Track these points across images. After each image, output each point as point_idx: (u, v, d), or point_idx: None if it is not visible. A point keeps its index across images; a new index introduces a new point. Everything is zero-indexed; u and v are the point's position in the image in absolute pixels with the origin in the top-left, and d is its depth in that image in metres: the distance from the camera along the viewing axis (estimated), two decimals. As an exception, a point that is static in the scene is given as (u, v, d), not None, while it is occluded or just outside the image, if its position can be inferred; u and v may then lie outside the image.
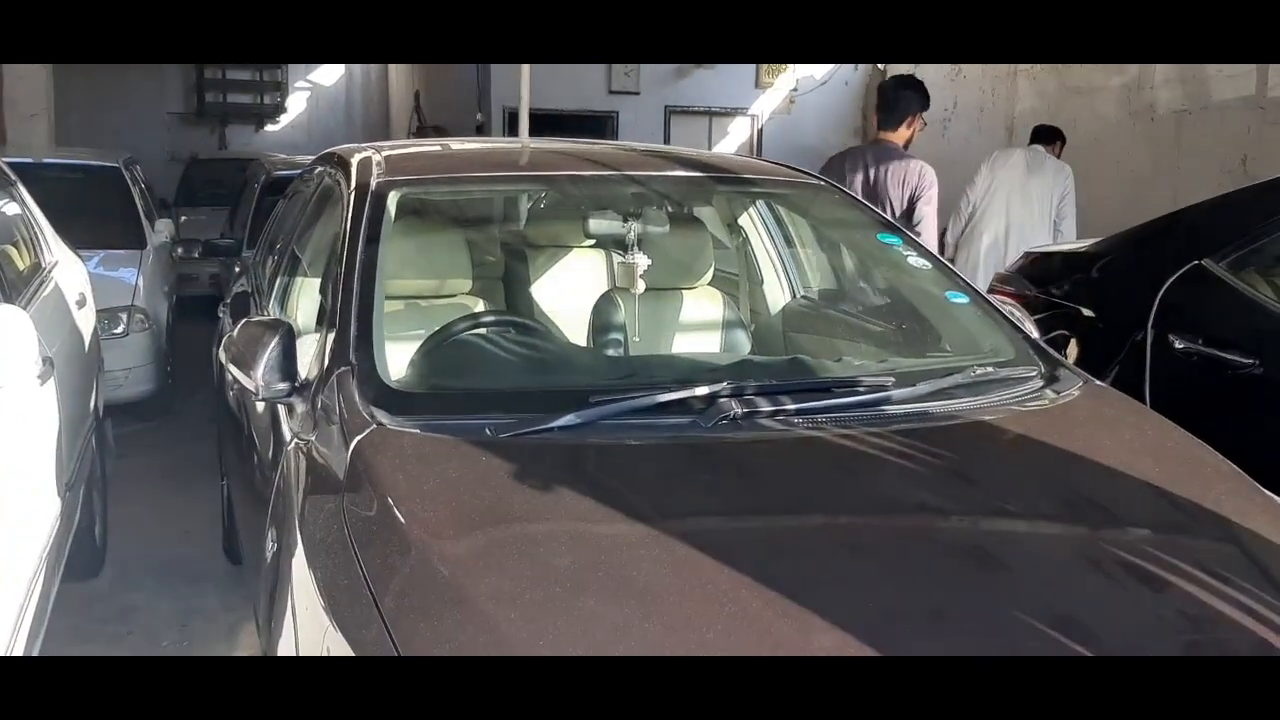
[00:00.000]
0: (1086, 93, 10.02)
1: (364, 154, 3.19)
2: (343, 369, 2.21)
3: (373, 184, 2.76)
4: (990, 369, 2.46)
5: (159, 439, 6.31)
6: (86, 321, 4.04)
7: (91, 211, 7.16)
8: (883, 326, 3.34)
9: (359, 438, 2.00)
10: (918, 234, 4.40)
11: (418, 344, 2.99)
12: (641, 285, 3.13)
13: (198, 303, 8.98)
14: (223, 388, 4.05)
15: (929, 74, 11.87)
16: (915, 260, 2.88)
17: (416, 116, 13.86)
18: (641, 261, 3.10)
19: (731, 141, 12.34)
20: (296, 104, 15.94)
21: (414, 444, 2.00)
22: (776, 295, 3.79)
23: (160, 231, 7.26)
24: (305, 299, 3.28)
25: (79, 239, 5.52)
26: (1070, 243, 6.51)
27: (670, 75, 11.81)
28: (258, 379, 2.27)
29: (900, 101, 5.02)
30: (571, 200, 3.29)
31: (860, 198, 5.07)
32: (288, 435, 2.33)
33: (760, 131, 12.40)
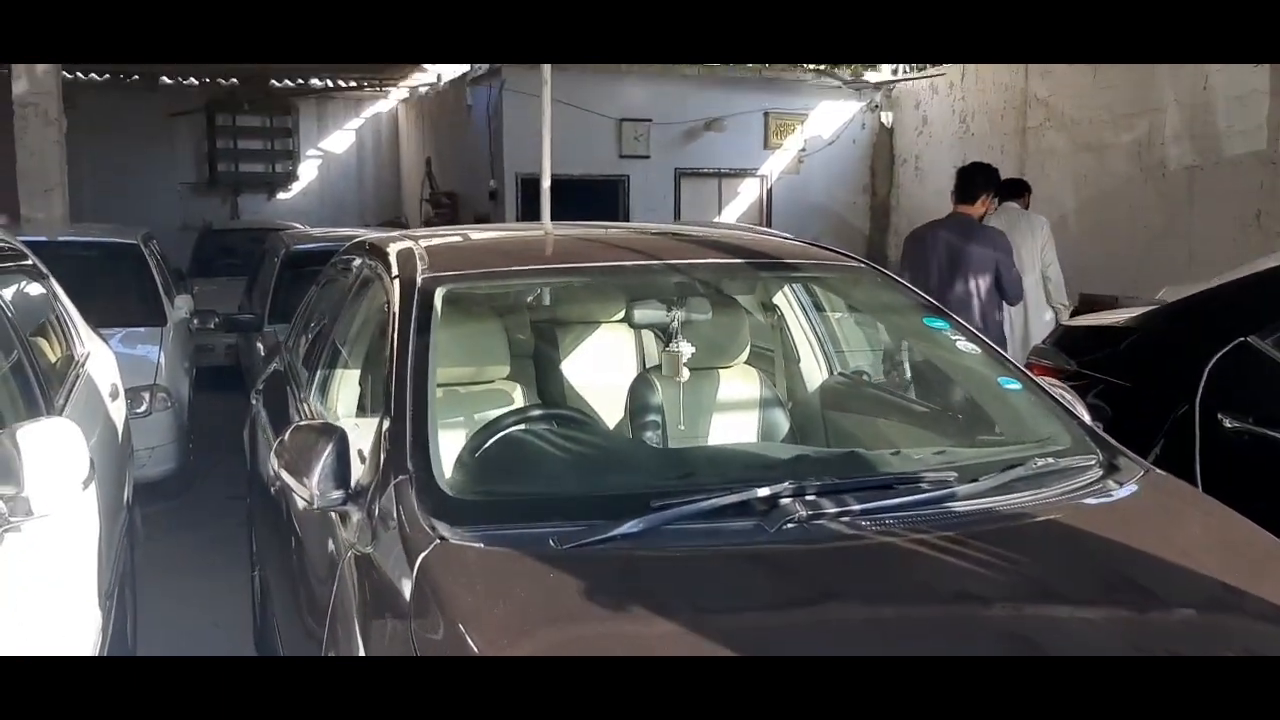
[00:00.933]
0: (1097, 149, 10.07)
1: (402, 245, 3.18)
2: (400, 478, 2.18)
3: (419, 279, 2.74)
4: (1050, 460, 2.43)
5: (182, 518, 6.26)
6: (119, 413, 4.02)
7: (111, 289, 7.17)
8: (927, 408, 3.31)
9: (423, 555, 1.96)
10: (1011, 289, 5.57)
11: (459, 432, 2.97)
12: (686, 374, 3.11)
13: (215, 374, 8.97)
14: (255, 475, 4.02)
15: (938, 134, 12.00)
16: (964, 344, 2.86)
17: (428, 183, 13.95)
18: (686, 350, 3.08)
19: (742, 202, 12.41)
20: (308, 172, 16.06)
21: (479, 560, 1.96)
22: (813, 373, 3.76)
23: (180, 307, 7.26)
24: (347, 390, 3.26)
25: (100, 317, 5.52)
26: (1059, 295, 6.70)
27: (679, 138, 11.90)
28: (312, 488, 2.24)
29: (976, 182, 5.83)
30: (614, 290, 3.28)
31: (943, 264, 5.65)
32: (342, 544, 2.30)
33: (769, 191, 12.47)
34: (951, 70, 11.94)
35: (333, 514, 2.36)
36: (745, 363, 3.63)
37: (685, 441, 3.60)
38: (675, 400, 3.59)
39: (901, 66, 12.68)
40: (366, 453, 2.48)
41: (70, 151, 10.65)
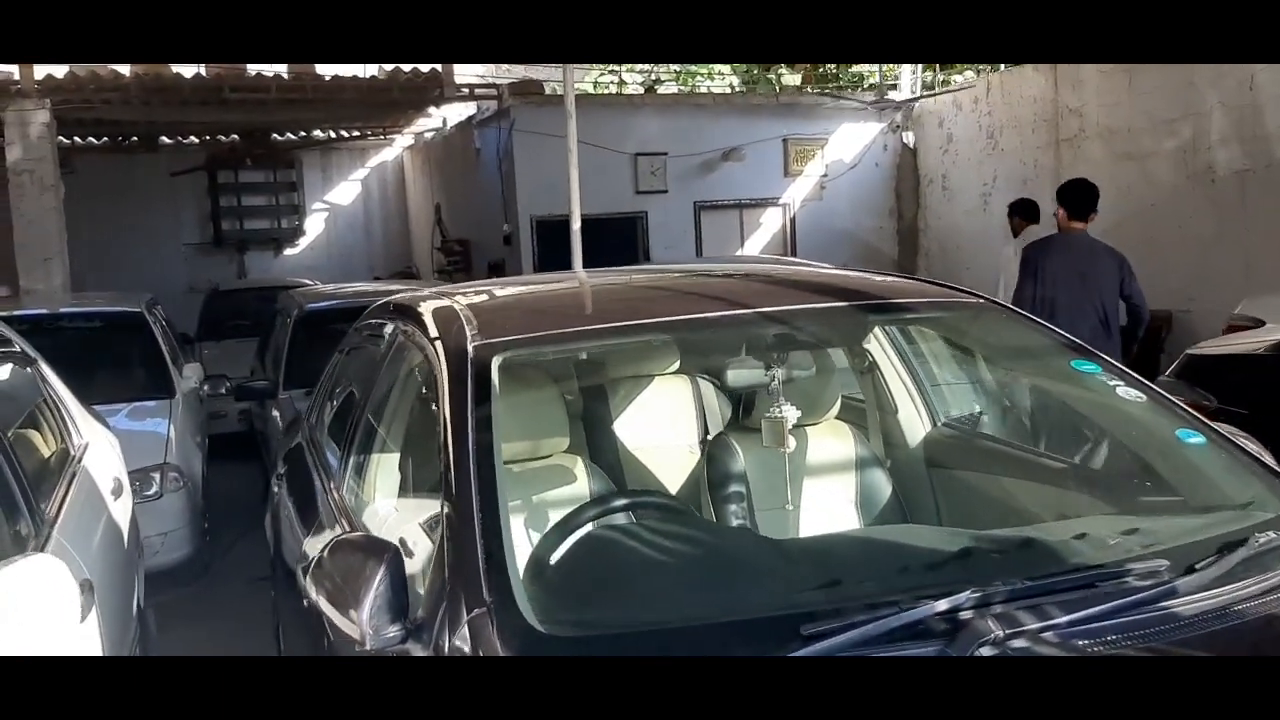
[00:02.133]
0: (1138, 158, 9.61)
1: (440, 306, 2.73)
2: (476, 612, 1.71)
3: (470, 349, 2.28)
4: (1273, 534, 1.95)
5: (201, 606, 5.78)
6: (124, 511, 3.56)
7: (115, 362, 6.76)
8: (1063, 464, 2.83)
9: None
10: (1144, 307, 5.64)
11: (517, 518, 2.51)
12: (793, 443, 2.64)
13: (228, 441, 8.52)
14: (280, 567, 3.55)
15: (964, 151, 11.57)
16: (1125, 390, 2.37)
17: (439, 231, 13.55)
18: (791, 414, 2.61)
19: (764, 233, 11.96)
20: (314, 225, 15.65)
21: None
22: (914, 425, 3.28)
23: (189, 376, 6.82)
24: (385, 477, 2.80)
25: (104, 392, 5.09)
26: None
27: (697, 170, 11.47)
28: (364, 624, 1.78)
29: (1092, 197, 5.93)
30: (699, 349, 2.81)
31: (1068, 284, 5.60)
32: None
33: (793, 220, 12.02)
34: (977, 85, 11.52)
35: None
36: (836, 417, 3.17)
37: (775, 514, 3.13)
38: (762, 466, 3.13)
39: (922, 81, 12.27)
40: (420, 565, 2.01)
41: (69, 217, 10.29)
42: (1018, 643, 1.65)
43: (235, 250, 15.16)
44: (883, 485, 3.14)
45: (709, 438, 3.83)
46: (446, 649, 1.74)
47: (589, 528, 2.19)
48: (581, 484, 2.94)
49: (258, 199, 15.25)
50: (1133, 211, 9.66)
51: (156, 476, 5.64)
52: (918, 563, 1.92)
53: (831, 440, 3.15)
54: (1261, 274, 8.46)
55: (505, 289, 3.19)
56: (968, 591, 1.70)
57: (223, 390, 8.24)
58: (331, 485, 2.96)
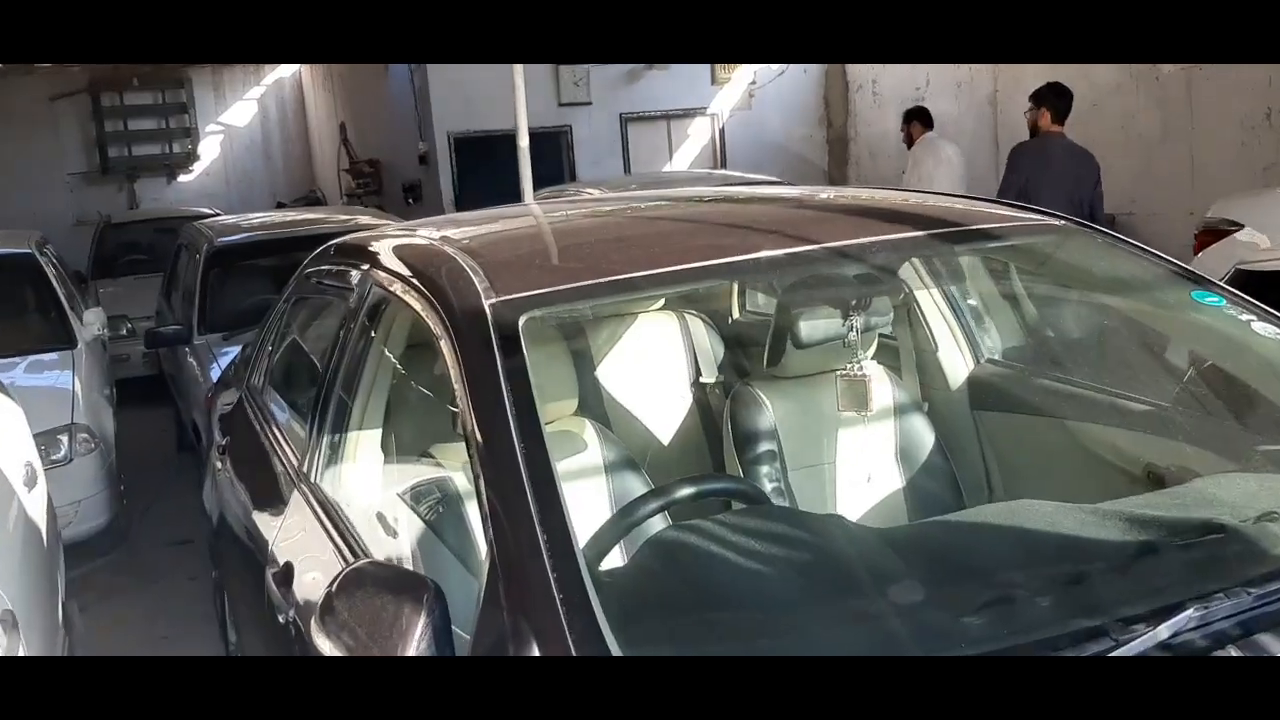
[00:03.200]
0: (1078, 57, 9.30)
1: (428, 251, 2.25)
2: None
3: (486, 309, 1.81)
4: None
5: (120, 578, 5.25)
6: (39, 505, 3.02)
7: (7, 311, 6.07)
8: (1147, 404, 2.47)
9: None
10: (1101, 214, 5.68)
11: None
12: (874, 406, 2.23)
13: (132, 386, 7.85)
14: (228, 549, 3.07)
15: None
16: (1262, 326, 2.01)
17: (346, 152, 12.74)
18: (876, 373, 2.20)
19: (693, 145, 11.46)
20: (210, 150, 14.61)
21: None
22: (956, 365, 2.91)
23: (91, 323, 6.16)
24: (365, 455, 2.33)
25: (-5, 347, 4.49)
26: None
27: (621, 80, 10.89)
28: (402, 692, 1.34)
29: (1069, 100, 6.09)
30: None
31: (1053, 186, 5.56)
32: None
33: (721, 131, 11.54)
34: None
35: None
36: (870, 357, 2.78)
37: (811, 472, 2.74)
38: (792, 419, 2.73)
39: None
40: (451, 585, 1.57)
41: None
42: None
43: (125, 179, 14.11)
44: (924, 434, 2.77)
45: (701, 380, 3.45)
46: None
47: (660, 534, 1.77)
48: (594, 452, 2.51)
49: (146, 122, 14.16)
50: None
51: (64, 439, 5.04)
52: (1093, 566, 1.54)
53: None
54: (1206, 175, 8.29)
55: (492, 224, 2.69)
56: (1189, 611, 1.33)
57: (124, 332, 7.58)
58: (294, 462, 2.47)
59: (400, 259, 2.24)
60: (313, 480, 2.33)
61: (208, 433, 4.91)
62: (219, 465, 3.12)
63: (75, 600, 3.68)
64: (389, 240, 2.43)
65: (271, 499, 2.55)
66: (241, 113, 14.81)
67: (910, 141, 7.87)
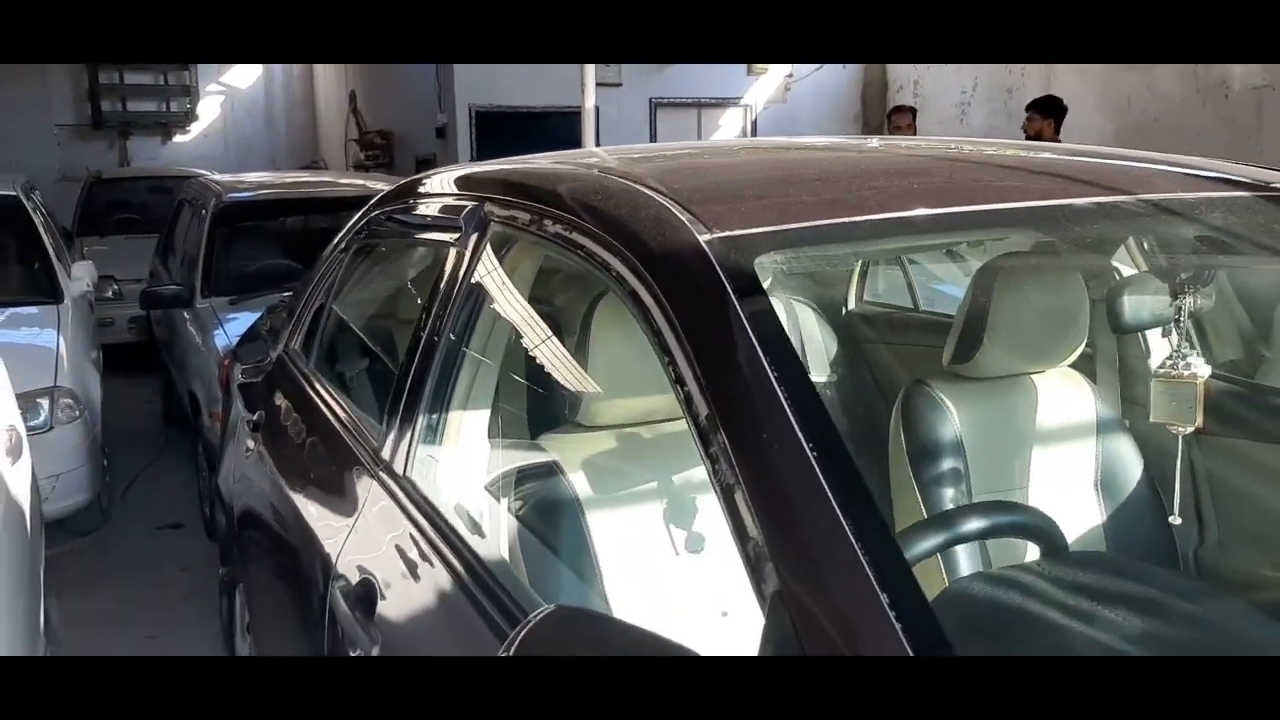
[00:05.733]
0: (1142, 68, 8.83)
1: (590, 175, 1.71)
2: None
3: (706, 247, 1.26)
4: None
5: (98, 564, 4.66)
6: (22, 481, 2.42)
7: (-15, 258, 5.47)
8: None
9: None
10: None
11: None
12: (1201, 419, 1.68)
13: (116, 354, 7.23)
14: (258, 555, 2.50)
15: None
16: None
17: (355, 121, 12.12)
18: (1202, 371, 1.66)
19: (724, 135, 10.94)
20: (209, 110, 13.91)
21: None
22: (1171, 376, 2.36)
23: (80, 278, 5.57)
24: (475, 443, 1.77)
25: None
26: None
27: (654, 65, 10.34)
28: None
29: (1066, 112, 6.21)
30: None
31: None
32: None
33: (754, 123, 11.02)
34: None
35: None
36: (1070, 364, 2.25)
37: (999, 499, 2.20)
38: (978, 430, 2.19)
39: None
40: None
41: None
42: None
43: (117, 135, 13.41)
44: (1130, 460, 2.24)
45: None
46: None
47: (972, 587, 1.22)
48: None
49: (143, 76, 13.47)
50: (1132, 124, 8.94)
51: (45, 403, 4.45)
52: None
53: (1066, 396, 2.24)
54: (1276, 199, 7.85)
55: (660, 156, 2.13)
56: None
57: (110, 294, 6.97)
58: (371, 450, 1.90)
59: (545, 188, 1.68)
60: (399, 473, 1.76)
61: (212, 404, 4.33)
62: (249, 445, 2.53)
63: (55, 601, 3.09)
64: (515, 167, 1.87)
65: (336, 496, 1.98)
66: (245, 74, 14.16)
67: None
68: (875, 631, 0.87)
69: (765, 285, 1.23)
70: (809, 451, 1.01)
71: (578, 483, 1.78)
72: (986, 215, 1.40)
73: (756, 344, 1.13)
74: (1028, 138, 7.07)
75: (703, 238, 1.29)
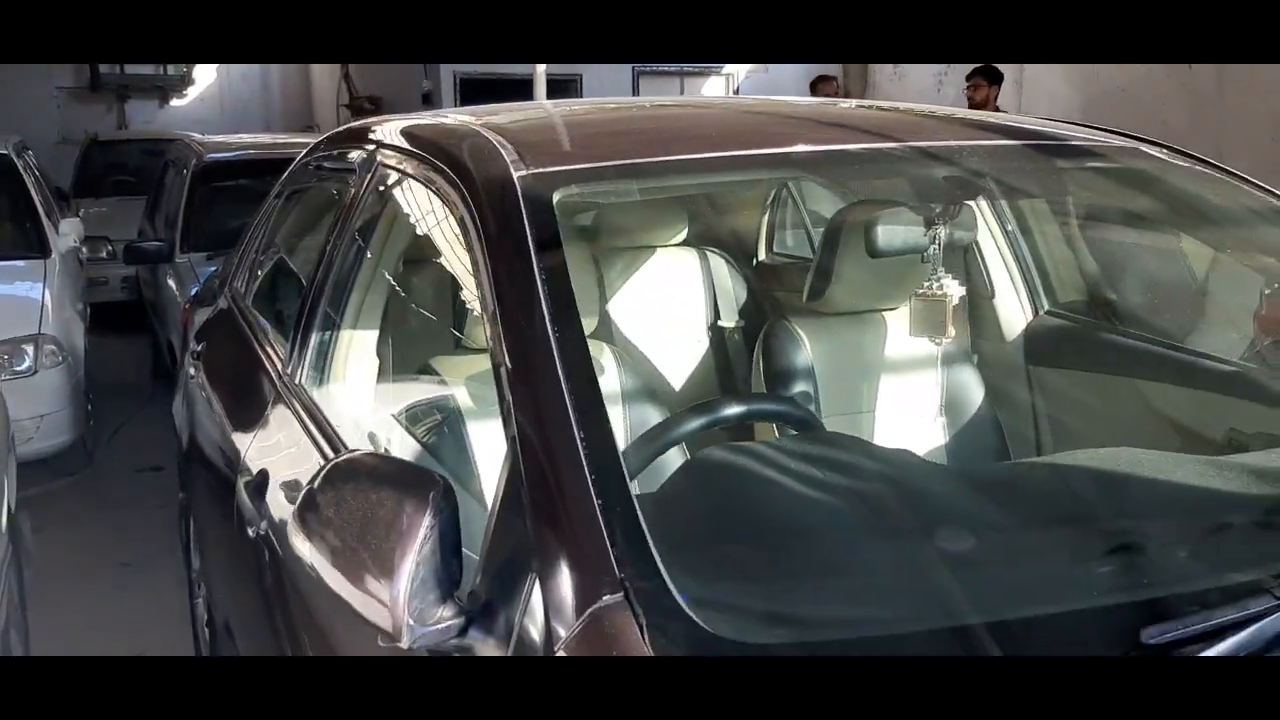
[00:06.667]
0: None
1: (449, 125, 1.98)
2: (608, 600, 1.01)
3: (517, 180, 1.54)
4: None
5: (80, 501, 4.96)
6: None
7: (-24, 214, 5.75)
8: (1237, 366, 2.22)
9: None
10: None
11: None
12: (952, 331, 1.96)
13: (109, 312, 7.54)
14: (195, 463, 2.79)
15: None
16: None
17: (346, 87, 12.36)
18: (954, 292, 1.93)
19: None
20: (205, 75, 14.16)
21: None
22: (1014, 314, 2.64)
23: (67, 234, 5.84)
24: (359, 359, 2.06)
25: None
26: None
27: (636, 32, 10.55)
28: (400, 606, 1.08)
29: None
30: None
31: None
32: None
33: (736, 91, 11.23)
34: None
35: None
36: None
37: (847, 420, 2.48)
38: (830, 360, 2.47)
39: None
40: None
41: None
42: None
43: (115, 98, 13.66)
44: (973, 388, 2.52)
45: (719, 324, 3.21)
46: (539, 650, 1.06)
47: (709, 457, 1.50)
48: (611, 378, 2.24)
49: (141, 43, 13.72)
50: (1100, 93, 9.13)
51: (29, 349, 4.76)
52: (1226, 516, 1.28)
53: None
54: (1236, 168, 8.05)
55: (523, 112, 2.41)
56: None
57: (104, 254, 7.25)
58: (277, 366, 2.19)
59: (414, 135, 1.96)
60: (297, 386, 2.05)
61: (183, 348, 4.63)
62: (192, 373, 2.83)
63: (28, 515, 3.40)
64: (402, 120, 2.15)
65: (249, 408, 2.27)
66: (241, 41, 14.37)
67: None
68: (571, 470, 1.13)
69: (554, 202, 1.50)
70: (552, 335, 1.29)
71: (460, 396, 2.06)
72: (754, 159, 1.67)
73: (536, 261, 1.40)
74: (972, 105, 7.33)
75: (516, 172, 1.57)
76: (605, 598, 1.01)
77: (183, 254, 5.64)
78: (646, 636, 0.97)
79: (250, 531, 1.93)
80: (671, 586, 1.03)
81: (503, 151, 1.64)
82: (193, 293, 4.79)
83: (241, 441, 2.18)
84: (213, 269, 5.19)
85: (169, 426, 3.78)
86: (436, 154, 1.76)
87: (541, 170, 1.58)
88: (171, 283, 5.59)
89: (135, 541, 4.45)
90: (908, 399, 2.50)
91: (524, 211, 1.46)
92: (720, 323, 3.18)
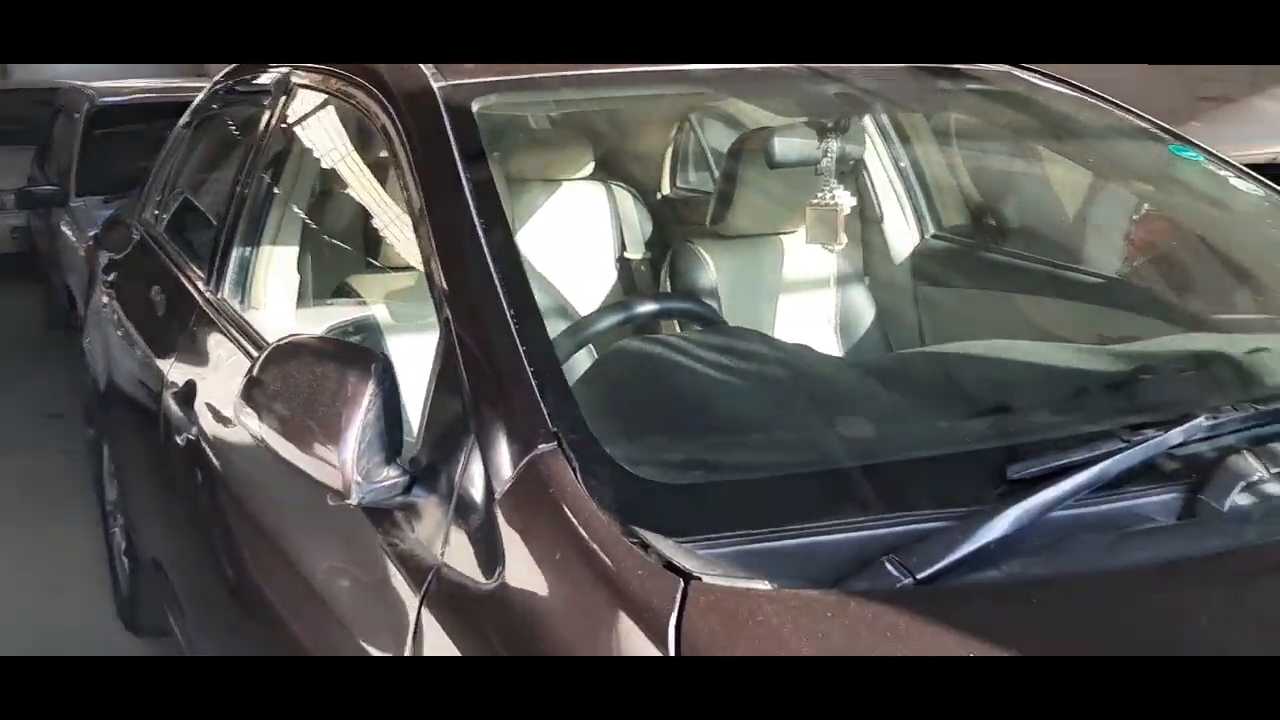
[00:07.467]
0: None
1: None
2: (543, 448, 1.13)
3: (436, 90, 1.63)
4: None
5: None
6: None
7: None
8: (1098, 278, 2.42)
9: (674, 615, 0.94)
10: None
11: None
12: (844, 238, 2.11)
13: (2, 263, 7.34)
14: (111, 394, 2.81)
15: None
16: (1241, 183, 1.94)
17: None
18: (845, 202, 2.07)
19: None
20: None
21: (764, 635, 0.95)
22: (902, 236, 2.81)
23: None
24: (280, 277, 2.12)
25: None
26: None
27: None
28: (348, 465, 1.18)
29: None
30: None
31: None
32: (398, 570, 1.24)
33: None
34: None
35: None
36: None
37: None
38: (732, 280, 2.61)
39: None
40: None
41: None
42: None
43: (-6, 48, 13.10)
44: (864, 306, 2.69)
45: (626, 255, 3.32)
46: (479, 501, 1.17)
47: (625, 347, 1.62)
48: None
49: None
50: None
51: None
52: (1092, 385, 1.44)
53: (810, 253, 2.66)
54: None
55: None
56: (1201, 418, 1.24)
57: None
58: (198, 285, 2.24)
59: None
60: (220, 301, 2.10)
61: (86, 292, 4.58)
62: (105, 301, 2.85)
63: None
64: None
65: (169, 328, 2.32)
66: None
67: None
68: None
69: (474, 112, 1.60)
70: (479, 228, 1.39)
71: (379, 312, 2.14)
72: (661, 75, 1.79)
73: (460, 165, 1.50)
74: None
75: (436, 83, 1.66)
76: (540, 446, 1.12)
77: (77, 198, 5.53)
78: (580, 477, 1.09)
79: (179, 439, 1.99)
80: (599, 439, 1.15)
81: (421, 65, 1.73)
82: (91, 235, 4.73)
83: (164, 359, 2.23)
84: (110, 212, 5.15)
85: (69, 375, 3.76)
86: (355, 69, 1.83)
87: (460, 81, 1.67)
88: (67, 229, 5.48)
89: (44, 488, 4.40)
90: (805, 316, 2.65)
91: (446, 120, 1.55)
92: (627, 254, 3.28)
